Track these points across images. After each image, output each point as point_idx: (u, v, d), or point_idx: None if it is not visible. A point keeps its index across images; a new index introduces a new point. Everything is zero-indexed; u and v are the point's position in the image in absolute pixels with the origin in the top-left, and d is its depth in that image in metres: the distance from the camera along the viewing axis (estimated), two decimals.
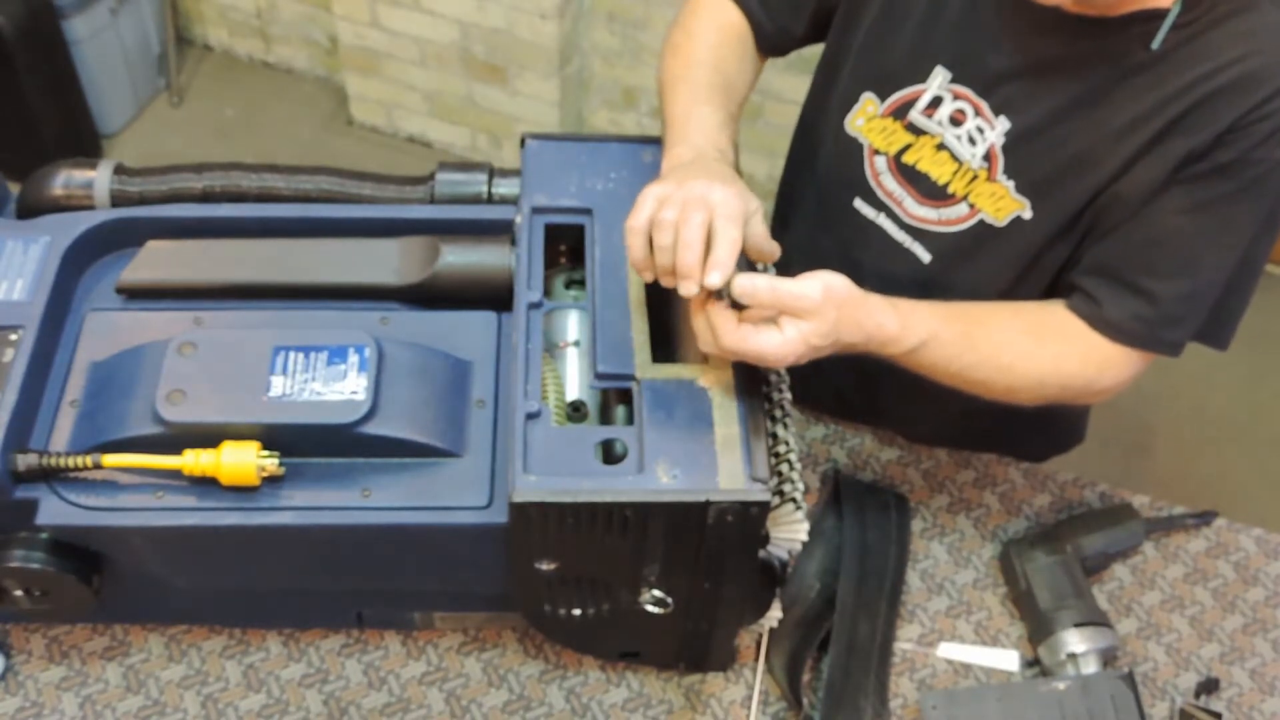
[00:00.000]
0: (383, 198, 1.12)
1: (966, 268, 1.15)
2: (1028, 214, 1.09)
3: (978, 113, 1.07)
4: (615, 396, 1.01)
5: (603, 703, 1.13)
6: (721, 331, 0.89)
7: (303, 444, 0.95)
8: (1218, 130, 0.97)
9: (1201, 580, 1.25)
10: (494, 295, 1.06)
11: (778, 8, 1.19)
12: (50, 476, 0.95)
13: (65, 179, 1.10)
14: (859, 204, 1.20)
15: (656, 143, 1.15)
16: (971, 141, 1.09)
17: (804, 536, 0.96)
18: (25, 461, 0.93)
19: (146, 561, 0.99)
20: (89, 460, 0.93)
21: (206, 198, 1.10)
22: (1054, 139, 1.05)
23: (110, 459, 0.93)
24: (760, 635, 1.15)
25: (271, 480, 0.95)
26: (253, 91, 3.13)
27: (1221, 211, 1.01)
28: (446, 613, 1.14)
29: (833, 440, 1.33)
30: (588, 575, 0.98)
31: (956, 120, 1.09)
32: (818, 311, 0.89)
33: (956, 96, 1.08)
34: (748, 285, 0.87)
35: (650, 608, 1.00)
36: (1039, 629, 1.16)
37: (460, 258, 1.07)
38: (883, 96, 1.13)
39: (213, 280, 1.06)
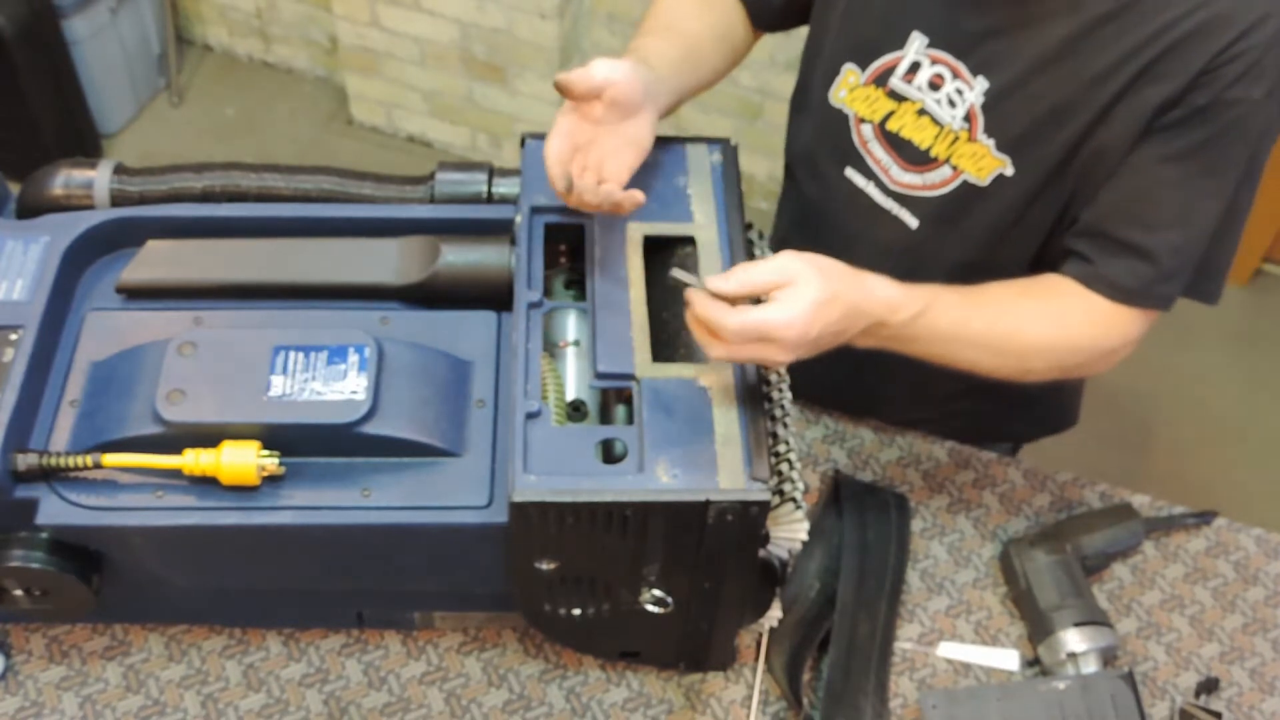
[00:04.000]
0: (383, 198, 1.12)
1: (953, 231, 1.16)
2: (1010, 170, 1.10)
3: (955, 75, 1.09)
4: (615, 396, 1.01)
5: (603, 703, 1.13)
6: (721, 320, 0.88)
7: (303, 444, 0.95)
8: (1189, 76, 0.98)
9: (1201, 580, 1.25)
10: (494, 295, 1.06)
11: None
12: (50, 476, 0.95)
13: (65, 179, 1.10)
14: (850, 173, 1.22)
15: (656, 142, 1.15)
16: (951, 104, 1.10)
17: (804, 536, 0.96)
18: (25, 461, 0.93)
19: (147, 561, 0.99)
20: (89, 460, 0.93)
21: (206, 198, 1.10)
22: (1030, 94, 1.06)
23: (110, 459, 0.93)
24: (760, 635, 1.15)
25: (271, 480, 0.95)
26: (253, 91, 3.13)
27: (1203, 158, 1.02)
28: (446, 613, 1.14)
29: (833, 440, 1.33)
30: (588, 575, 0.98)
31: (935, 85, 1.11)
32: (800, 273, 0.89)
33: (934, 61, 1.10)
34: (732, 279, 0.89)
35: (650, 608, 1.00)
36: (1039, 629, 1.16)
37: (460, 257, 1.07)
38: (863, 66, 1.15)
39: (213, 280, 1.06)
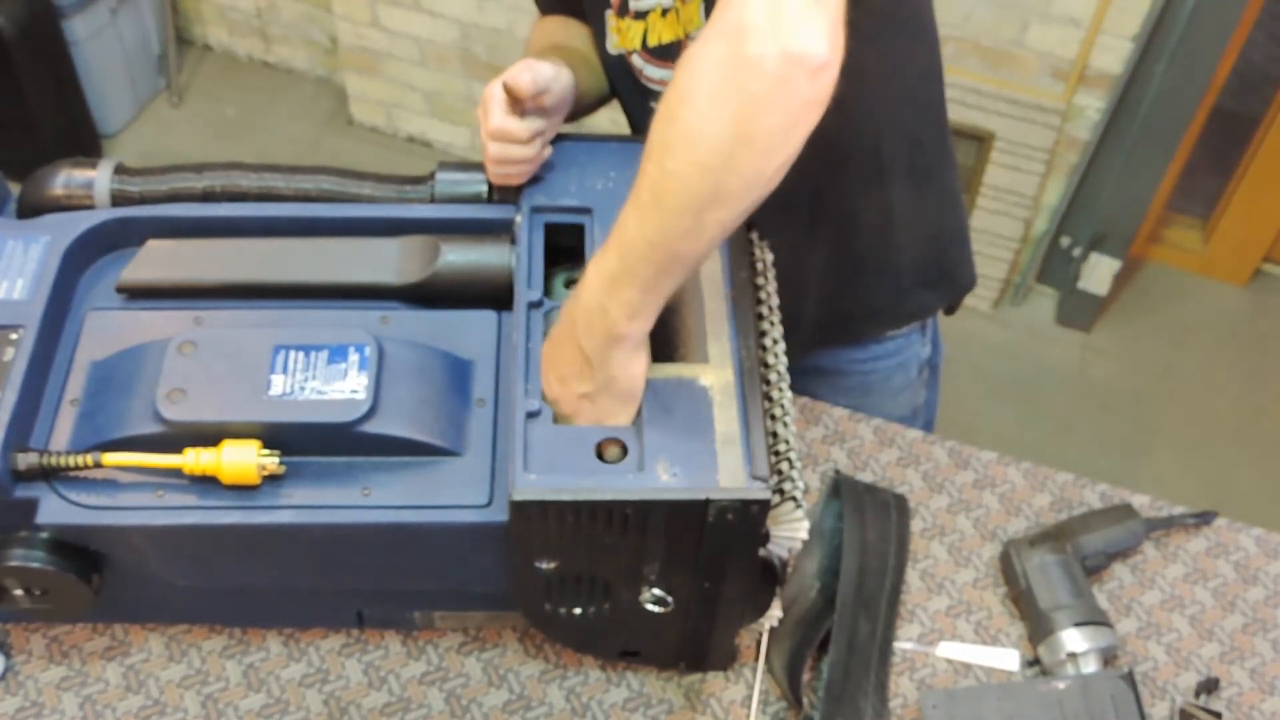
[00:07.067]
0: (383, 197, 1.12)
1: None
2: None
3: None
4: None
5: (603, 703, 1.13)
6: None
7: (303, 443, 0.95)
8: None
9: (1201, 580, 1.25)
10: (494, 294, 1.06)
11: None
12: (50, 475, 0.95)
13: (65, 179, 1.10)
14: (653, 104, 1.23)
15: None
16: None
17: (804, 535, 0.96)
18: (25, 460, 0.93)
19: (147, 561, 0.99)
20: (89, 459, 0.93)
21: (206, 198, 1.10)
22: None
23: (110, 458, 0.93)
24: (760, 635, 1.15)
25: (272, 479, 0.95)
26: (253, 91, 3.13)
27: None
28: (446, 612, 1.14)
29: (833, 440, 1.33)
30: (588, 574, 0.98)
31: None
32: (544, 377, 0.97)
33: None
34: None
35: (650, 607, 1.00)
36: (1039, 628, 1.16)
37: (460, 257, 1.07)
38: (610, 6, 1.21)
39: (213, 280, 1.06)
